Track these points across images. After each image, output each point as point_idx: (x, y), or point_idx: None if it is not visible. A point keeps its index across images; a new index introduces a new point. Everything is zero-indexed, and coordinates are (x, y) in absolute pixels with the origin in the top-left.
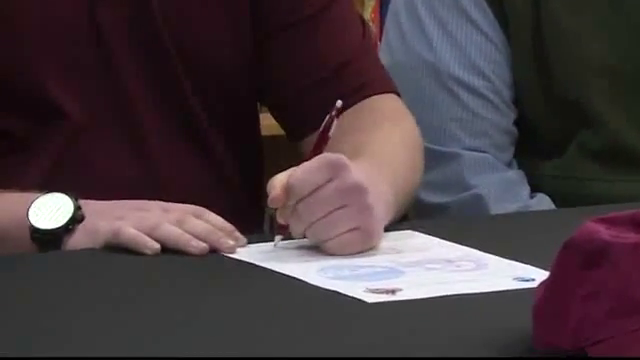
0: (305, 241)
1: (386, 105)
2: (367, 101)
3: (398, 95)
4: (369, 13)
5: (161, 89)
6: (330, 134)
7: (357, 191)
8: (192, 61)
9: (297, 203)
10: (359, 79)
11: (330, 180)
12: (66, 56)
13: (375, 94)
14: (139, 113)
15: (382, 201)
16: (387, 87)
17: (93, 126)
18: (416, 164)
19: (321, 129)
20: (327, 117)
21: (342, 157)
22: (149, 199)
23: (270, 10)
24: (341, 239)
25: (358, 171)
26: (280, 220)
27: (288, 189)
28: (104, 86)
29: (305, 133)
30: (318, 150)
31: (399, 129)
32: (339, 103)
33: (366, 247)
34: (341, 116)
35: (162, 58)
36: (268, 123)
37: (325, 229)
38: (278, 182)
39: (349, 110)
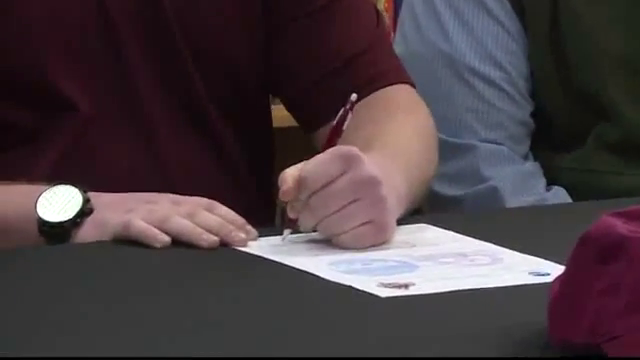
0: (316, 234)
1: (400, 96)
2: (380, 92)
3: (412, 86)
4: (382, 4)
5: (170, 82)
6: (344, 127)
7: (371, 183)
8: (202, 54)
9: (309, 197)
10: (372, 70)
11: (343, 173)
12: (75, 48)
13: (389, 85)
14: (148, 106)
15: (395, 193)
16: (401, 78)
17: (102, 119)
18: (430, 155)
19: (335, 122)
20: (341, 110)
21: (355, 149)
22: (159, 190)
23: (281, 1)
24: (355, 232)
25: (371, 163)
26: (291, 214)
27: (300, 182)
28: (113, 79)
29: (319, 125)
30: (331, 143)
31: (413, 120)
32: (354, 96)
33: (379, 240)
34: (355, 108)
35: (172, 50)
36: (279, 114)
37: (338, 223)
38: (289, 175)
39: (362, 101)
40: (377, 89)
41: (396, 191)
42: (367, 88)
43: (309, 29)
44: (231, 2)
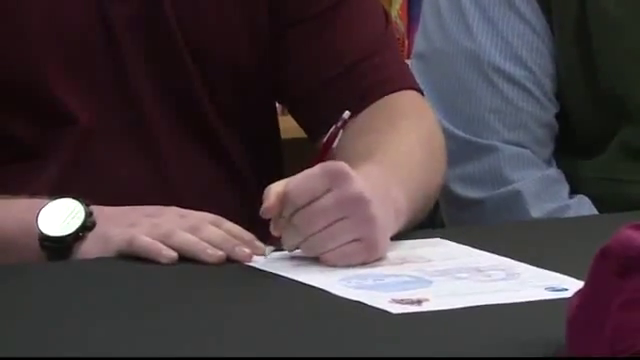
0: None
1: (405, 103)
2: (385, 99)
3: (419, 91)
4: (397, 9)
5: (173, 93)
6: (334, 146)
7: (358, 202)
8: (206, 60)
9: (293, 214)
10: (377, 76)
11: (329, 190)
12: (76, 60)
13: (394, 91)
14: (150, 117)
15: (392, 207)
16: (407, 83)
17: (104, 132)
18: (435, 164)
19: (324, 140)
20: (332, 127)
21: (344, 165)
22: (163, 204)
23: (286, 3)
24: (341, 250)
25: (362, 179)
26: (274, 232)
27: (284, 198)
28: (115, 88)
29: (322, 132)
30: (321, 159)
31: (417, 128)
32: (346, 114)
33: (370, 258)
34: (359, 115)
35: (174, 62)
36: (289, 126)
37: (322, 242)
38: (273, 191)
39: (366, 109)
40: (382, 96)
41: (394, 205)
42: (371, 94)
43: (313, 32)
44: (235, 9)
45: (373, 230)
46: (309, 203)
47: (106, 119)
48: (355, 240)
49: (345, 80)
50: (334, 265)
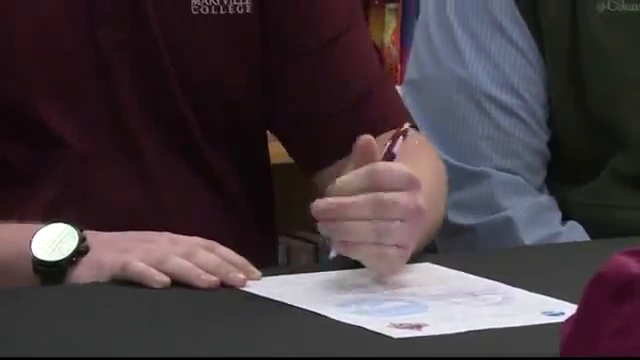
0: (321, 275)
1: (410, 137)
2: (389, 133)
3: (416, 128)
4: (390, 35)
5: (164, 117)
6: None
7: (419, 213)
8: (194, 87)
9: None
10: (381, 110)
11: (400, 189)
12: (65, 82)
13: (397, 126)
14: (142, 141)
15: None
16: (407, 120)
17: (94, 154)
18: (443, 193)
19: (385, 149)
20: (389, 140)
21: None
22: (154, 228)
23: (286, 36)
24: (386, 250)
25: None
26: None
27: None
28: (104, 112)
29: (320, 166)
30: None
31: (428, 159)
32: (407, 125)
33: (393, 270)
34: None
35: (164, 83)
36: (277, 151)
37: (379, 232)
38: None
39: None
40: (386, 130)
41: None
42: (376, 128)
43: (313, 66)
44: (228, 35)
45: (412, 245)
46: (387, 190)
47: (97, 144)
48: (399, 246)
49: (350, 114)
50: (362, 264)
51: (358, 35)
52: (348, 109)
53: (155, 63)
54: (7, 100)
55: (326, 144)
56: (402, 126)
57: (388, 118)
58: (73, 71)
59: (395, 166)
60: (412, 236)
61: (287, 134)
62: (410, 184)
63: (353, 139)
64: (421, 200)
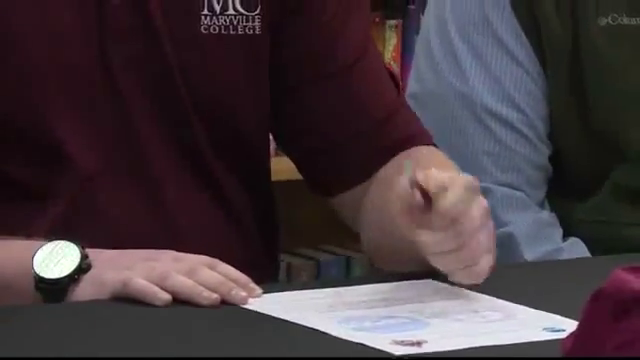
0: (321, 292)
1: (433, 153)
2: (414, 149)
3: (437, 147)
4: (390, 52)
5: (174, 134)
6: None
7: (489, 214)
8: (205, 105)
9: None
10: (402, 133)
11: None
12: (77, 101)
13: (419, 145)
14: (152, 159)
15: None
16: (429, 139)
17: (105, 173)
18: None
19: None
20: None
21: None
22: (161, 246)
23: (303, 61)
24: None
25: None
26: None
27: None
28: (116, 131)
29: (341, 189)
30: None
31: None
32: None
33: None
34: (385, 167)
35: (175, 102)
36: (277, 168)
37: (476, 252)
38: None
39: (393, 160)
40: (405, 149)
41: None
42: (400, 148)
43: (331, 90)
44: (238, 56)
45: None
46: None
47: (106, 163)
48: (488, 253)
49: (372, 137)
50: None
51: (373, 60)
52: (370, 132)
53: (166, 81)
54: (17, 116)
55: (348, 168)
56: (426, 144)
57: (410, 139)
58: (85, 87)
59: (474, 212)
60: (491, 239)
61: (305, 158)
62: (475, 193)
63: (375, 162)
64: (484, 202)
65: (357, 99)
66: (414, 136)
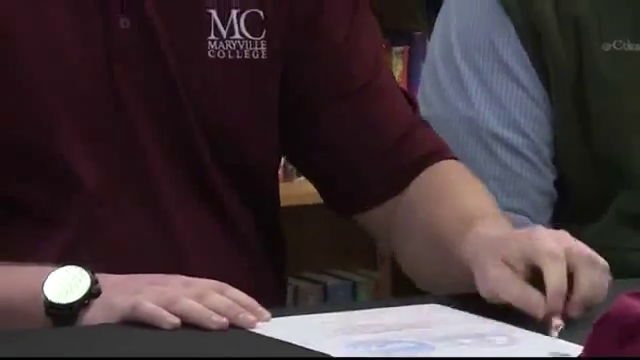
0: (329, 316)
1: (459, 168)
2: (436, 166)
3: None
4: (397, 78)
5: (179, 155)
6: None
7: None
8: (212, 129)
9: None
10: (424, 148)
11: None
12: (85, 124)
13: (443, 159)
14: (157, 180)
15: None
16: (451, 154)
17: (110, 195)
18: None
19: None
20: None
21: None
22: (169, 270)
23: (318, 82)
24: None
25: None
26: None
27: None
28: (122, 154)
29: (365, 207)
30: None
31: (483, 188)
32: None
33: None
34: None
35: (182, 125)
36: (285, 193)
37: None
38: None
39: (418, 178)
40: (431, 164)
41: None
42: (423, 164)
43: (349, 109)
44: (244, 77)
45: None
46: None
47: (114, 186)
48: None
49: (393, 154)
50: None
51: (387, 79)
52: (389, 149)
53: (173, 104)
54: (27, 140)
55: (369, 186)
56: (449, 158)
57: (433, 155)
58: (92, 111)
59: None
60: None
61: (325, 178)
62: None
63: (400, 178)
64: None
65: (374, 118)
66: (436, 151)
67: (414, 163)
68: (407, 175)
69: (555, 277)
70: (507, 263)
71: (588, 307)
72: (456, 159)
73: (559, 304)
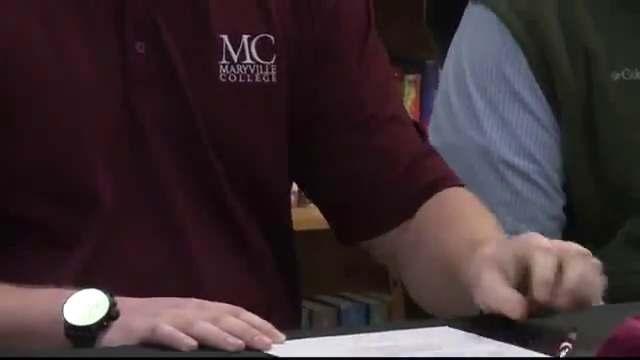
0: (343, 338)
1: (466, 195)
2: (444, 193)
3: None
4: (409, 106)
5: (197, 181)
6: None
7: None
8: (226, 151)
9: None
10: (431, 176)
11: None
12: (102, 146)
13: (450, 187)
14: (173, 205)
15: None
16: (458, 181)
17: (127, 216)
18: None
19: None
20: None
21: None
22: (183, 291)
23: (328, 109)
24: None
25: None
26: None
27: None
28: (139, 177)
29: (376, 233)
30: None
31: (490, 215)
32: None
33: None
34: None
35: (196, 148)
36: (298, 218)
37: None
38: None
39: (427, 203)
40: (439, 191)
41: None
42: (429, 192)
43: (357, 138)
44: (253, 104)
45: None
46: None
47: (130, 207)
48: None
49: (403, 180)
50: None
51: (398, 107)
52: (400, 178)
53: (188, 127)
54: (47, 163)
55: (377, 214)
56: (458, 185)
57: (440, 182)
58: (109, 134)
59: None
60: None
61: (333, 205)
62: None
63: (408, 206)
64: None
65: (384, 147)
66: (444, 179)
67: (422, 190)
68: (415, 202)
69: (541, 268)
70: (500, 269)
71: (579, 303)
72: (463, 186)
73: (544, 294)
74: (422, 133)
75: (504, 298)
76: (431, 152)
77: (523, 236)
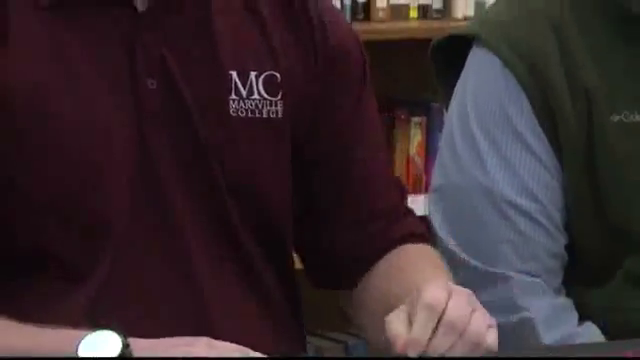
0: None
1: (426, 250)
2: (406, 247)
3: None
4: (415, 147)
5: (210, 213)
6: None
7: (472, 295)
8: (237, 183)
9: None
10: (408, 228)
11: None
12: (114, 177)
13: (416, 242)
14: (186, 237)
15: None
16: (427, 238)
17: (140, 247)
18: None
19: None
20: None
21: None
22: (195, 325)
23: (329, 160)
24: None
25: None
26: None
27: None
28: (152, 209)
29: (339, 285)
30: None
31: (444, 268)
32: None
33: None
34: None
35: (208, 180)
36: None
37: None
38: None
39: (385, 257)
40: (401, 245)
41: None
42: (392, 245)
43: (342, 185)
44: (262, 138)
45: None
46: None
47: (143, 239)
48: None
49: (374, 234)
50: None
51: (383, 161)
52: (371, 230)
53: (200, 160)
54: (62, 197)
55: (345, 265)
56: (424, 243)
57: (407, 237)
58: (124, 168)
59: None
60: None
61: (305, 246)
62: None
63: (369, 259)
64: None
65: (363, 196)
66: (410, 235)
67: (386, 245)
68: (375, 256)
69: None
70: (409, 310)
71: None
72: (429, 244)
73: (413, 352)
74: (402, 191)
75: (394, 334)
76: (406, 211)
77: (431, 286)
